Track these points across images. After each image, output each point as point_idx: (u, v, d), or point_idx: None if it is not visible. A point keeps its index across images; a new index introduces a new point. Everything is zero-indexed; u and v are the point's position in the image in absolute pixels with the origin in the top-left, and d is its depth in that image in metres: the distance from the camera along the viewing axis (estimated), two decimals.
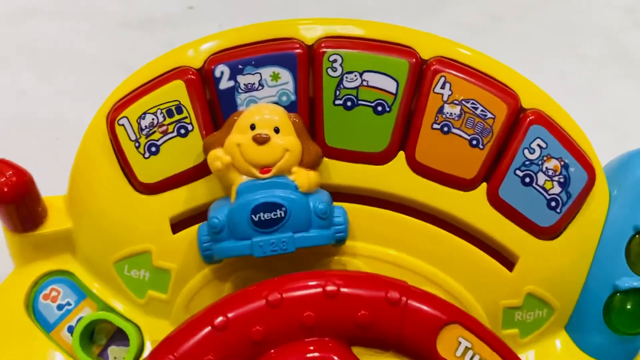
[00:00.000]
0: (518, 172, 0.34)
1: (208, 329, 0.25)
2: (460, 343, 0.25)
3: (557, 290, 0.35)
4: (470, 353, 0.25)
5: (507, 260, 0.35)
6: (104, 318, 0.35)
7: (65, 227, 0.36)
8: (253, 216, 0.30)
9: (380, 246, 0.34)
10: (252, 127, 0.31)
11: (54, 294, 0.36)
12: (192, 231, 0.33)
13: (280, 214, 0.30)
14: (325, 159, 0.33)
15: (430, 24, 0.40)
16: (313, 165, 0.32)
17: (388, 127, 0.33)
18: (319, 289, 0.25)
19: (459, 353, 0.25)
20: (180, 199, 0.34)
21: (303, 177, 0.31)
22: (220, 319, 0.25)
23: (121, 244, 0.35)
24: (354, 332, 0.25)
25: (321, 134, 0.33)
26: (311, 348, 0.25)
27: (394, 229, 0.34)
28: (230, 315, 0.25)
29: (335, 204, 0.33)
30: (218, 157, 0.31)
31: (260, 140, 0.31)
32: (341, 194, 0.34)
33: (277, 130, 0.31)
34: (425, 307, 0.26)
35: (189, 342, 0.25)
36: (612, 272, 0.36)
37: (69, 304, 0.36)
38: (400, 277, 0.33)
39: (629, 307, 0.36)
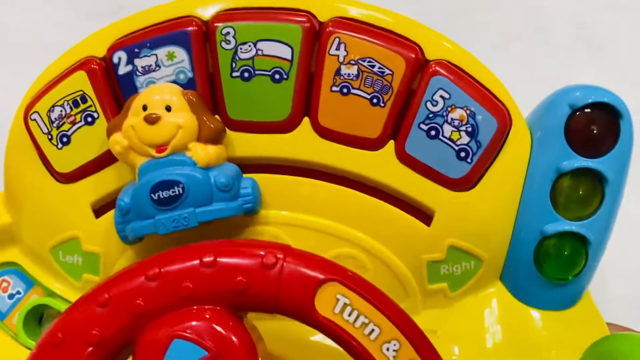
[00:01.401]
0: (422, 125, 0.33)
1: (93, 306, 0.26)
2: (338, 300, 0.26)
3: (482, 241, 0.35)
4: (348, 309, 0.26)
5: (424, 214, 0.34)
6: (45, 303, 0.37)
7: (5, 222, 0.37)
8: (152, 195, 0.31)
9: (296, 213, 0.34)
10: (144, 108, 0.32)
11: (4, 284, 0.38)
12: (112, 215, 0.34)
13: (178, 190, 0.31)
14: (231, 133, 0.34)
15: None
16: (214, 139, 0.32)
17: (288, 95, 0.33)
18: (196, 261, 0.26)
19: (337, 310, 0.26)
20: (97, 185, 0.35)
21: (200, 153, 0.32)
22: (104, 295, 0.26)
23: (53, 232, 0.36)
24: (232, 299, 0.26)
25: (223, 108, 0.34)
26: (193, 314, 0.26)
27: (307, 194, 0.34)
28: (112, 292, 0.26)
29: (245, 175, 0.34)
30: (117, 142, 0.32)
31: (150, 120, 0.31)
32: (251, 166, 0.34)
33: (168, 109, 0.32)
34: (301, 268, 0.26)
35: (76, 320, 0.26)
36: (539, 218, 0.35)
37: (18, 292, 0.38)
38: (319, 241, 0.34)
39: (558, 251, 0.35)
